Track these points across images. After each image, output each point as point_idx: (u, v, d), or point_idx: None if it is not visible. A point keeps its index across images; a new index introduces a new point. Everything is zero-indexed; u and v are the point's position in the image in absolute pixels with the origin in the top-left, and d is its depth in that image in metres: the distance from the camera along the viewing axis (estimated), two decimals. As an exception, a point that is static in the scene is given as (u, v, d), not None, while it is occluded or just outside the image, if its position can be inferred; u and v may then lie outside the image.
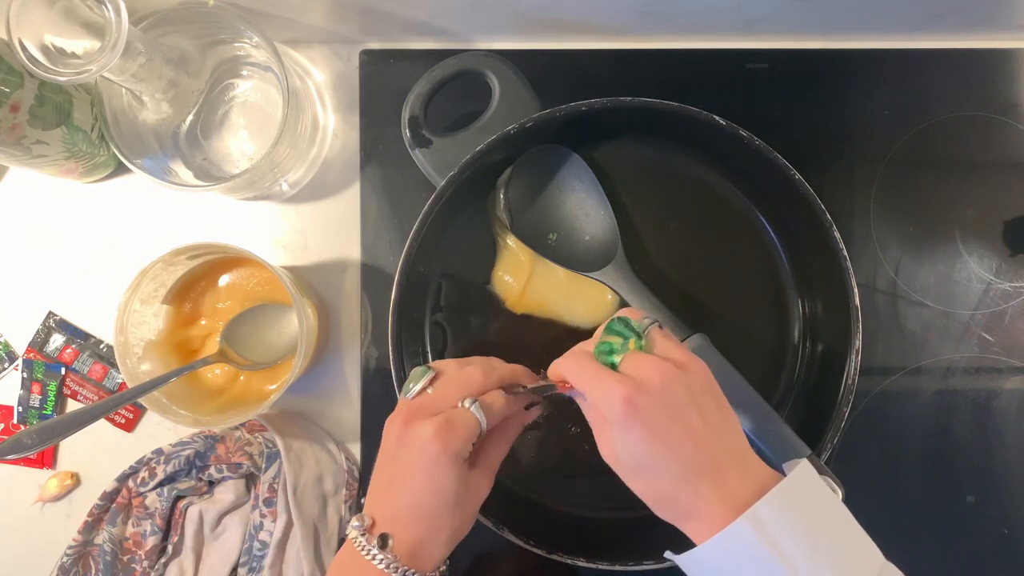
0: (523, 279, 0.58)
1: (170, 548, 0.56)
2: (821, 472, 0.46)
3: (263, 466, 0.57)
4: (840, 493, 0.45)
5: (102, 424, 0.50)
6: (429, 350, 0.59)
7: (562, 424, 0.57)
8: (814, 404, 0.55)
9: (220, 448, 0.57)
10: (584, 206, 0.56)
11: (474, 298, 0.59)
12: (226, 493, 0.57)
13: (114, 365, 0.60)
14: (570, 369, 0.42)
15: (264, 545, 0.55)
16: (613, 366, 0.40)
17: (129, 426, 0.61)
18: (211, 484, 0.58)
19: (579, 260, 0.56)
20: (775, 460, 0.48)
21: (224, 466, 0.57)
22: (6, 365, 0.61)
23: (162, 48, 0.51)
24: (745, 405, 0.51)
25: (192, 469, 0.57)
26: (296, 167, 0.61)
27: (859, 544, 0.37)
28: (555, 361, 0.43)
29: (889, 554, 0.37)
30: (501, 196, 0.56)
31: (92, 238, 0.62)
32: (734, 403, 0.41)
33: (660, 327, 0.43)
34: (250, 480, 0.58)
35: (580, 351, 0.43)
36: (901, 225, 0.61)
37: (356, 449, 0.61)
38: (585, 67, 0.63)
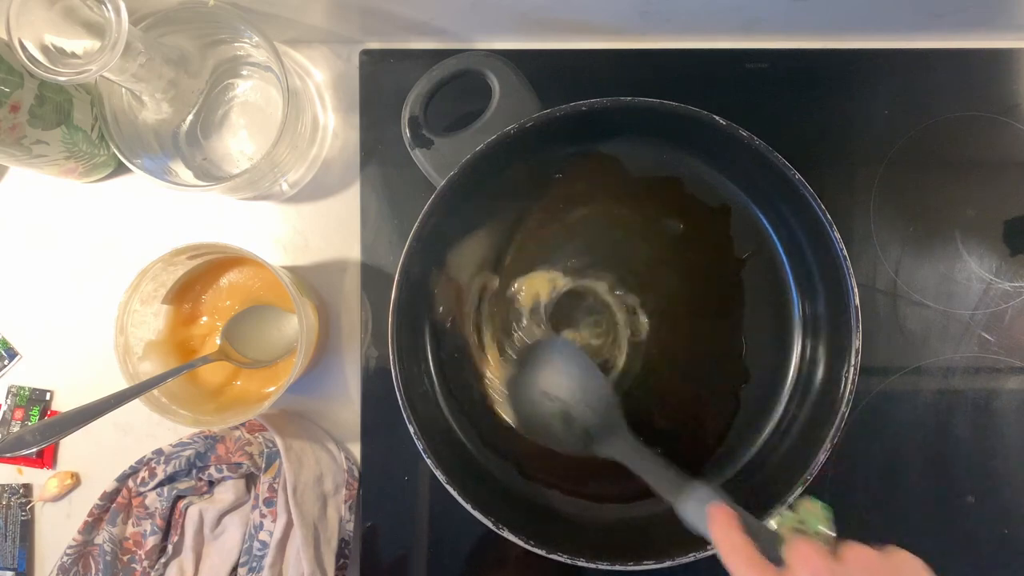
0: None
1: (170, 548, 0.56)
2: None
3: (263, 466, 0.57)
4: None
5: (102, 424, 0.50)
6: (429, 350, 0.59)
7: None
8: (814, 404, 0.55)
9: (220, 448, 0.57)
10: (583, 387, 0.53)
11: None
12: (226, 493, 0.57)
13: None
14: (719, 538, 0.38)
15: (264, 545, 0.55)
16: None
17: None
18: (211, 484, 0.58)
19: (586, 440, 0.52)
20: None
21: (224, 466, 0.57)
22: (6, 363, 0.61)
23: (162, 48, 0.51)
24: None
25: (192, 469, 0.57)
26: (296, 167, 0.61)
27: None
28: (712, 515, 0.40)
29: (889, 554, 0.37)
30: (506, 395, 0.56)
31: (92, 238, 0.62)
32: None
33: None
34: (250, 480, 0.58)
35: (732, 517, 0.39)
36: (901, 225, 0.61)
37: (356, 449, 0.61)
38: (585, 67, 0.63)
